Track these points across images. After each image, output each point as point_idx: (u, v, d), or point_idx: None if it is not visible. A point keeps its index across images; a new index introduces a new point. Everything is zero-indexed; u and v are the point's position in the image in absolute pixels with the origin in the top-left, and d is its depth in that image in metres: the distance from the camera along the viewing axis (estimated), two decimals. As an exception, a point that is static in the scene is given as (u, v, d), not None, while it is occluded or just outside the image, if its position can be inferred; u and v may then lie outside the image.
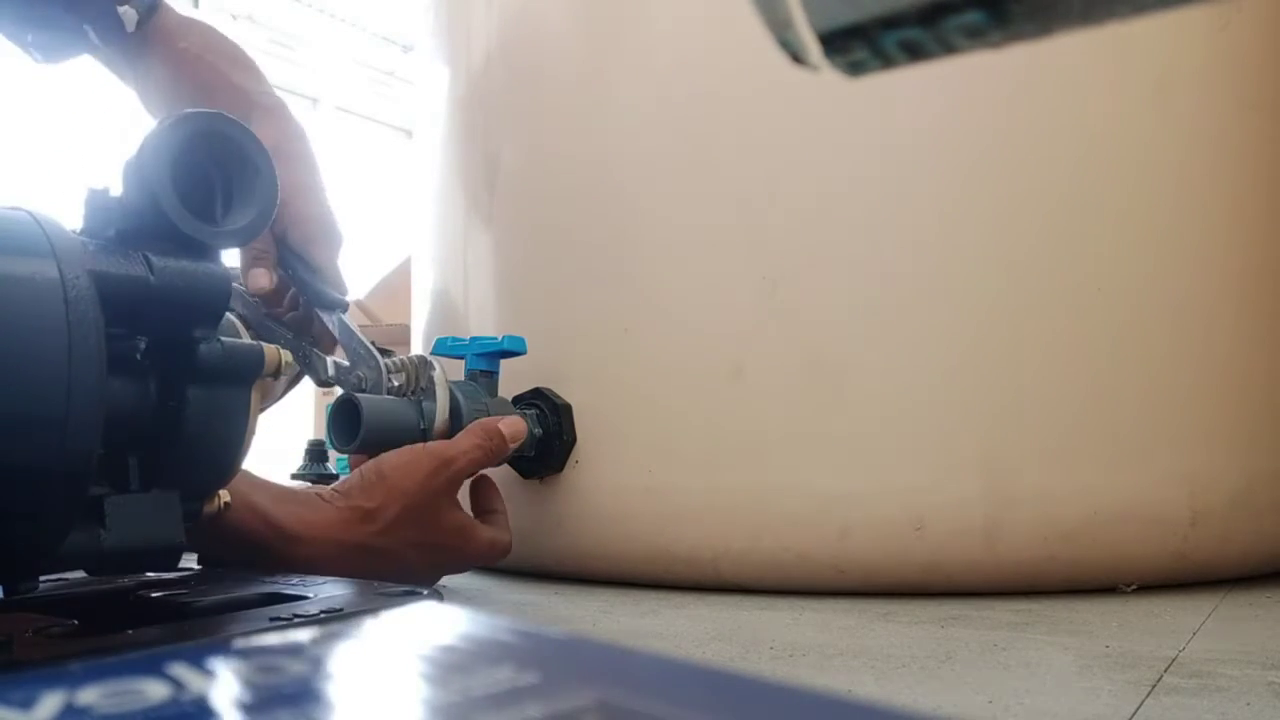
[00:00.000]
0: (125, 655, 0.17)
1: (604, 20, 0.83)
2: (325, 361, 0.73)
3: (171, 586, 0.46)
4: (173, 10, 0.84)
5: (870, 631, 0.58)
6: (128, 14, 0.80)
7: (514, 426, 0.73)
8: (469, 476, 0.71)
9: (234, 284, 0.76)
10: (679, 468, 0.76)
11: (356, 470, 0.68)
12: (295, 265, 0.75)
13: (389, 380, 0.72)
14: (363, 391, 0.71)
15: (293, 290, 0.77)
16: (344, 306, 0.76)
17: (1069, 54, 0.73)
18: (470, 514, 0.72)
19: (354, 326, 0.74)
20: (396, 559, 0.65)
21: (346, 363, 0.73)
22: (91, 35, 0.81)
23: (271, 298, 0.76)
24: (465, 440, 0.70)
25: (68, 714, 0.15)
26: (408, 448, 0.68)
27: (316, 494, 0.68)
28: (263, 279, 0.74)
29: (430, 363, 0.72)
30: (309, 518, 0.62)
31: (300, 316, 0.77)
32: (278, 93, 0.84)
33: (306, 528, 0.61)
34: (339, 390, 0.73)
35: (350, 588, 0.47)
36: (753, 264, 0.75)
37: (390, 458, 0.67)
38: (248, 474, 0.59)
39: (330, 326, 0.74)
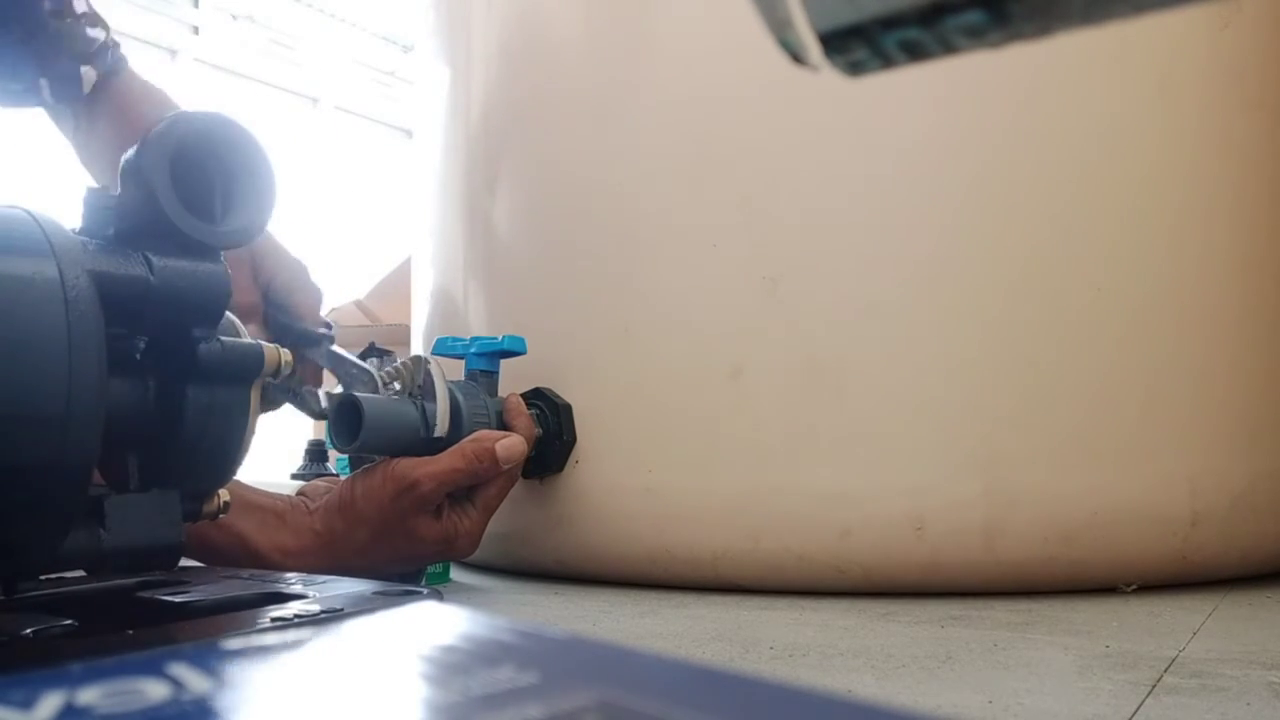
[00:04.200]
0: (125, 655, 0.17)
1: (605, 20, 0.83)
2: (317, 395, 0.74)
3: (172, 586, 0.46)
4: (134, 77, 0.82)
5: (870, 631, 0.58)
6: (87, 74, 0.80)
7: (510, 450, 0.70)
8: (445, 494, 0.69)
9: None
10: (679, 468, 0.76)
11: (336, 489, 0.70)
12: (277, 314, 0.78)
13: (387, 392, 0.72)
14: None
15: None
16: (330, 339, 0.77)
17: (1070, 54, 0.73)
18: (449, 514, 0.70)
19: (342, 353, 0.75)
20: (376, 570, 0.68)
21: (339, 389, 0.73)
22: (45, 91, 0.80)
23: None
24: (445, 460, 0.68)
25: (68, 714, 0.15)
26: (378, 470, 0.69)
27: (303, 505, 0.69)
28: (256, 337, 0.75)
29: (424, 359, 0.72)
30: (288, 545, 0.67)
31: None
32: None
33: (284, 556, 0.66)
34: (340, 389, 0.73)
35: (350, 587, 0.47)
36: (753, 264, 0.75)
37: (360, 481, 0.69)
38: (237, 490, 0.61)
39: (319, 360, 0.76)
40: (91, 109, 0.81)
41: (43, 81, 0.79)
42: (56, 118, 0.84)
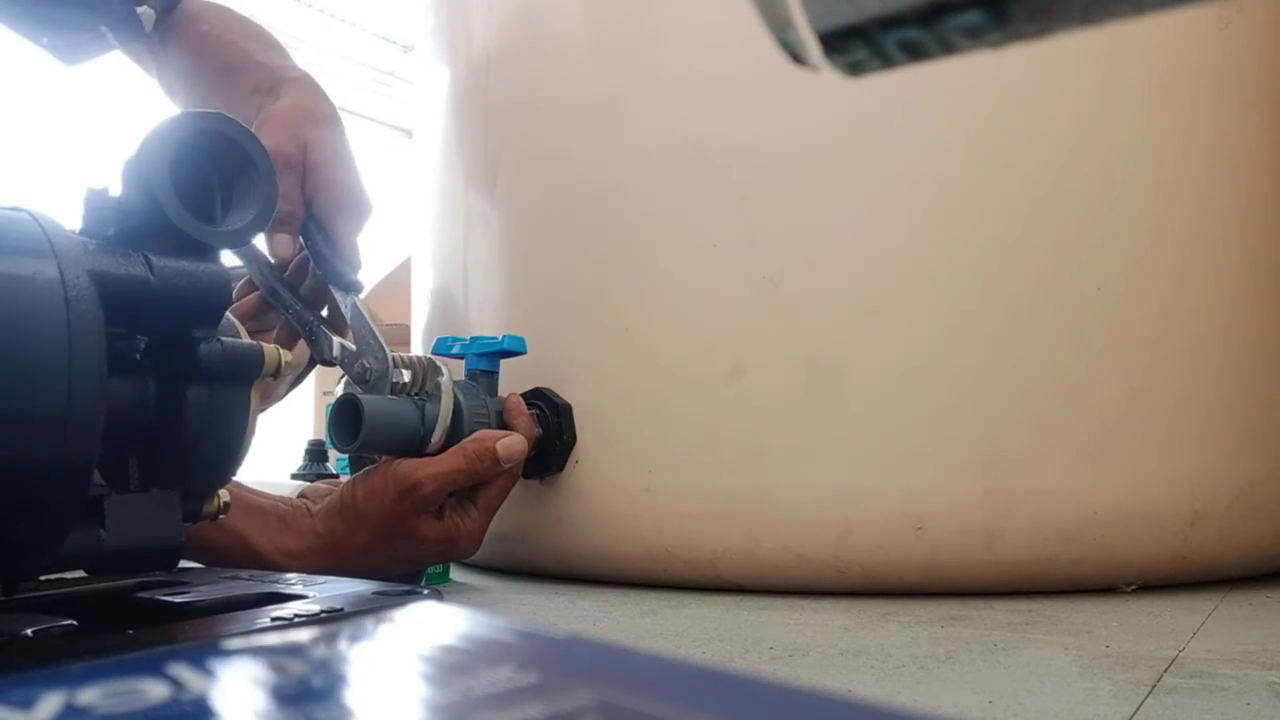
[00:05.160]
0: (125, 655, 0.17)
1: (605, 20, 0.83)
2: (332, 341, 0.72)
3: (172, 586, 0.46)
4: (197, 3, 0.83)
5: (870, 631, 0.58)
6: (146, 14, 0.80)
7: (511, 449, 0.70)
8: (446, 494, 0.69)
9: (253, 245, 0.75)
10: (679, 468, 0.76)
11: (338, 491, 0.70)
12: (316, 236, 0.74)
13: (396, 374, 0.70)
14: (365, 381, 0.70)
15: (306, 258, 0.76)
16: (358, 288, 0.74)
17: (1070, 54, 0.73)
18: (450, 514, 0.70)
19: (366, 314, 0.73)
20: (378, 571, 0.67)
21: (353, 346, 0.72)
22: (109, 37, 0.81)
23: (291, 265, 0.75)
24: (446, 461, 0.68)
25: (68, 714, 0.15)
26: (380, 471, 0.68)
27: (304, 507, 0.69)
28: (287, 246, 0.73)
29: (439, 368, 0.71)
30: (291, 547, 0.67)
31: (315, 288, 0.76)
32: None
33: (286, 558, 0.66)
34: (340, 389, 0.73)
35: (350, 587, 0.47)
36: (753, 264, 0.75)
37: (361, 483, 0.69)
38: (239, 493, 0.61)
39: (343, 308, 0.73)
40: (163, 43, 0.81)
41: (104, 29, 0.80)
42: (139, 61, 0.85)
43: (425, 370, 0.71)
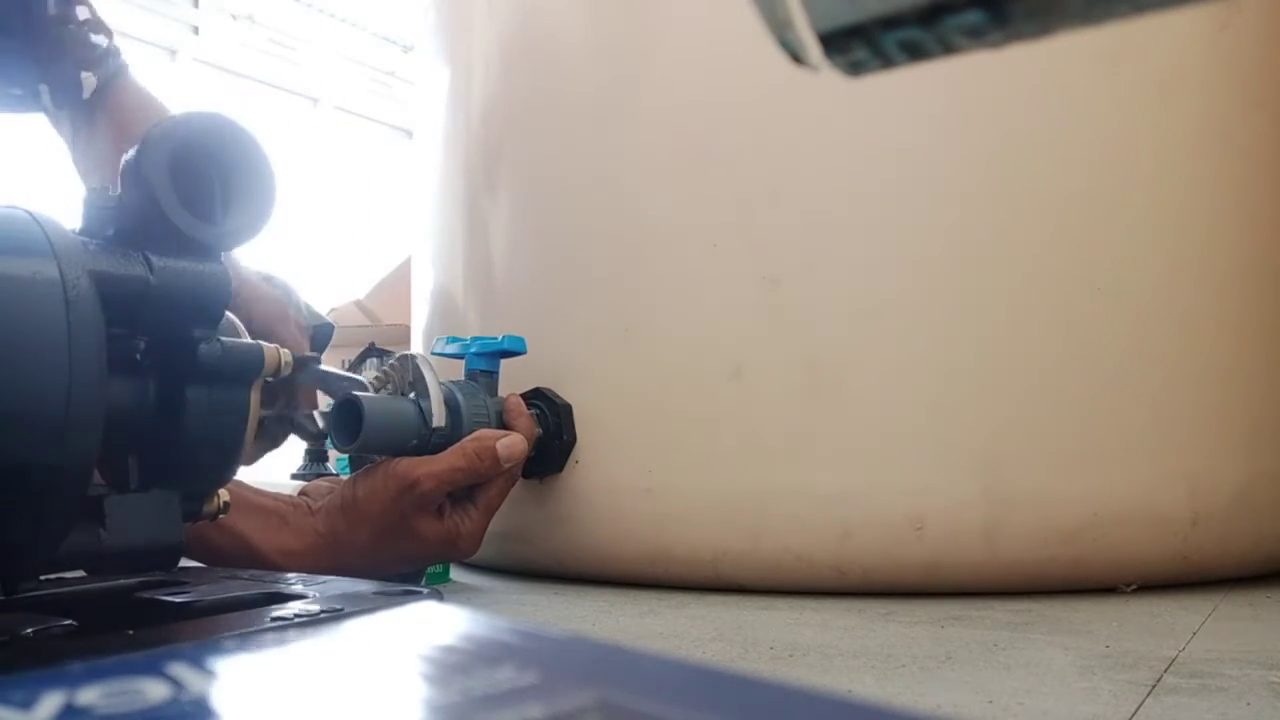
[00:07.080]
0: (125, 655, 0.17)
1: (606, 20, 0.83)
2: (313, 418, 0.75)
3: (172, 586, 0.46)
4: (134, 84, 0.82)
5: (870, 631, 0.58)
6: (88, 80, 0.79)
7: (511, 448, 0.70)
8: (446, 493, 0.69)
9: None
10: (679, 468, 0.76)
11: (338, 490, 0.70)
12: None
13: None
14: None
15: None
16: (316, 360, 0.77)
17: (1070, 55, 0.73)
18: (450, 514, 0.70)
19: (328, 368, 0.76)
20: (378, 571, 0.67)
21: (330, 402, 0.74)
22: (45, 97, 0.80)
23: None
24: (446, 460, 0.68)
25: (68, 714, 0.15)
26: (380, 470, 0.69)
27: (305, 505, 0.69)
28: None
29: (410, 357, 0.72)
30: (290, 546, 0.67)
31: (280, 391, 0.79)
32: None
33: (286, 558, 0.66)
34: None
35: (350, 587, 0.47)
36: (753, 264, 0.75)
37: (361, 482, 0.69)
38: (239, 492, 0.61)
39: (307, 382, 0.76)
40: (90, 115, 0.81)
41: (43, 87, 0.79)
42: (55, 122, 0.84)
43: (400, 370, 0.72)
